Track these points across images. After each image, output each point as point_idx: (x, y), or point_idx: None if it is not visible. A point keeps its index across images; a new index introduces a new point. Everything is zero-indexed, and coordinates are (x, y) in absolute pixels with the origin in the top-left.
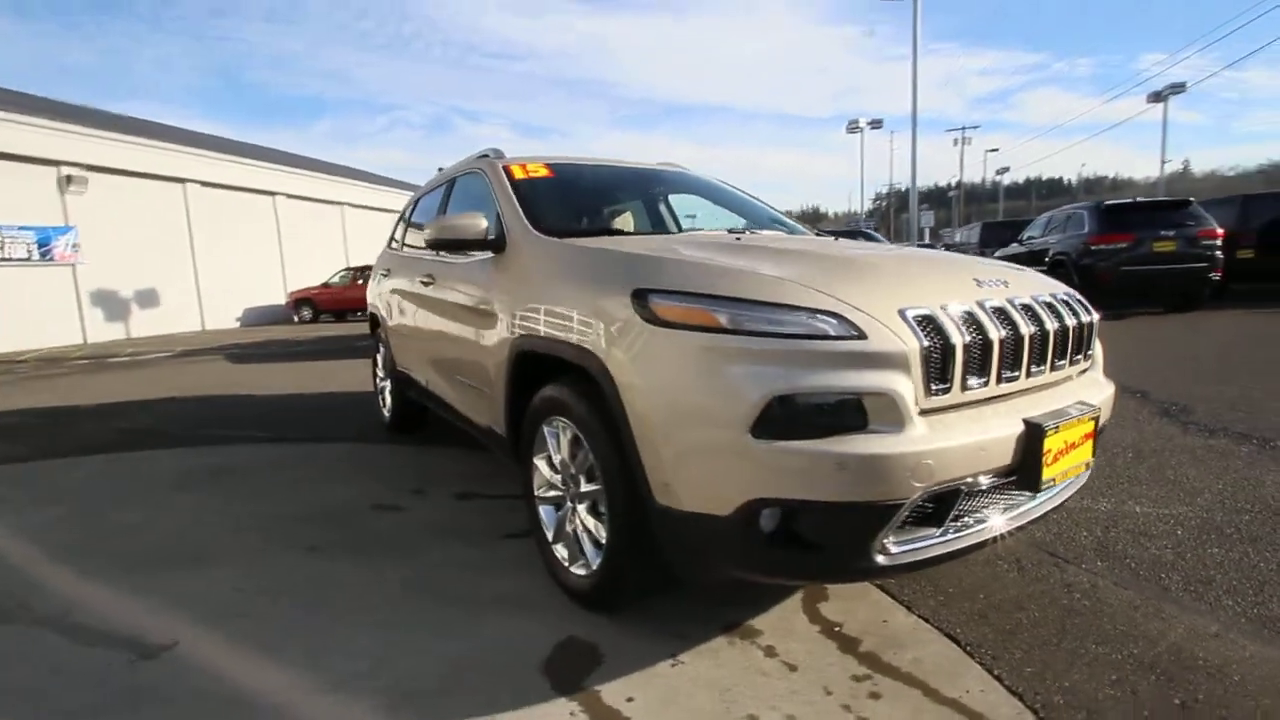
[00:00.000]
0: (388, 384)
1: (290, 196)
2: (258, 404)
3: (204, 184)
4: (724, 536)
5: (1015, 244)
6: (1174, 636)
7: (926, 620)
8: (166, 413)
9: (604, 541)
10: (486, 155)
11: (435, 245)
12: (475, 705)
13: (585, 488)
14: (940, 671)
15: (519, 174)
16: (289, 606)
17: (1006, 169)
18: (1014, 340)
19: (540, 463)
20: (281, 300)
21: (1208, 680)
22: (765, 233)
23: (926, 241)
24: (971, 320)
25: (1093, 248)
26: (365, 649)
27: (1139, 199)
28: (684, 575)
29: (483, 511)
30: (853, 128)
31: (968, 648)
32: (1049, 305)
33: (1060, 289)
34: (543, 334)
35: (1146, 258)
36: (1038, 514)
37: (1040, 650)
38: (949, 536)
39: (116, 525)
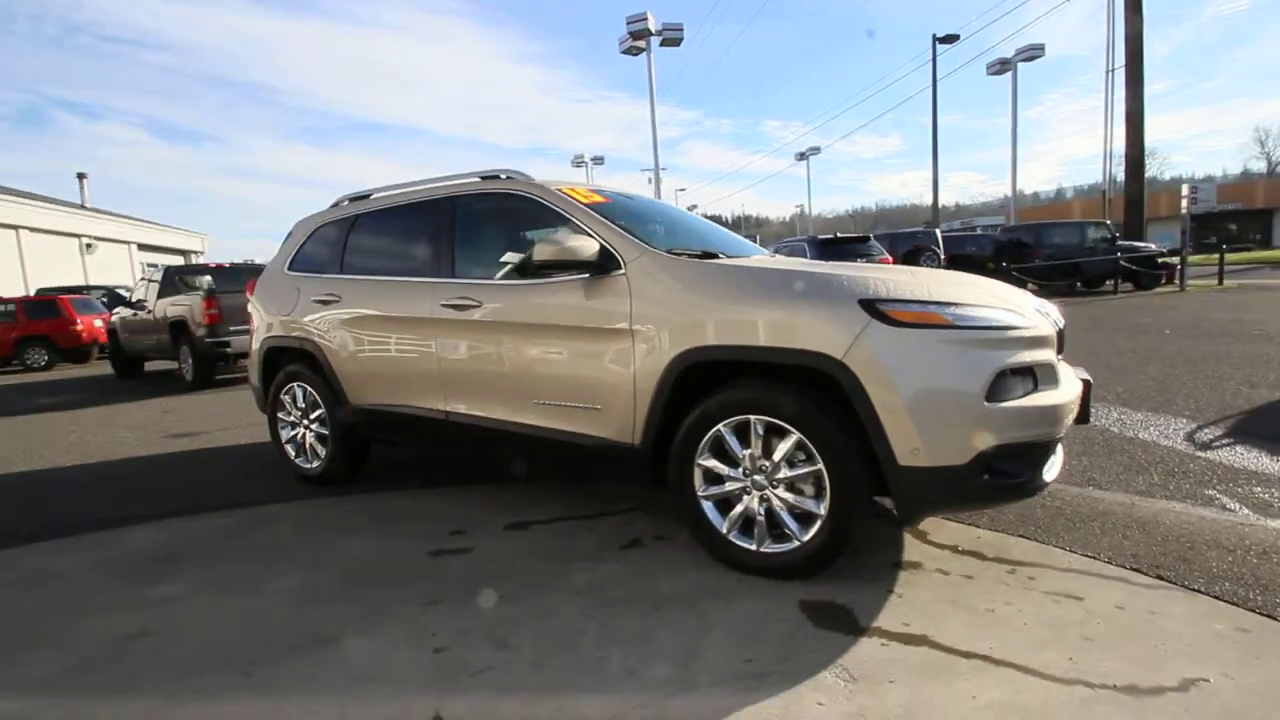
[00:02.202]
0: (316, 428)
1: None
2: (94, 475)
3: None
4: (959, 480)
5: None
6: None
7: (1004, 532)
8: None
9: (821, 512)
10: (513, 178)
11: (547, 267)
12: (811, 661)
13: (788, 473)
14: (1039, 554)
15: (587, 198)
16: (523, 646)
17: (695, 206)
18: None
19: (708, 462)
20: None
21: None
22: (780, 255)
23: None
24: (1044, 313)
25: None
26: (653, 658)
27: (839, 234)
28: (908, 519)
29: (561, 534)
30: (578, 163)
31: (1043, 540)
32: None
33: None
34: (723, 344)
35: None
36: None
37: (1079, 532)
38: (1058, 459)
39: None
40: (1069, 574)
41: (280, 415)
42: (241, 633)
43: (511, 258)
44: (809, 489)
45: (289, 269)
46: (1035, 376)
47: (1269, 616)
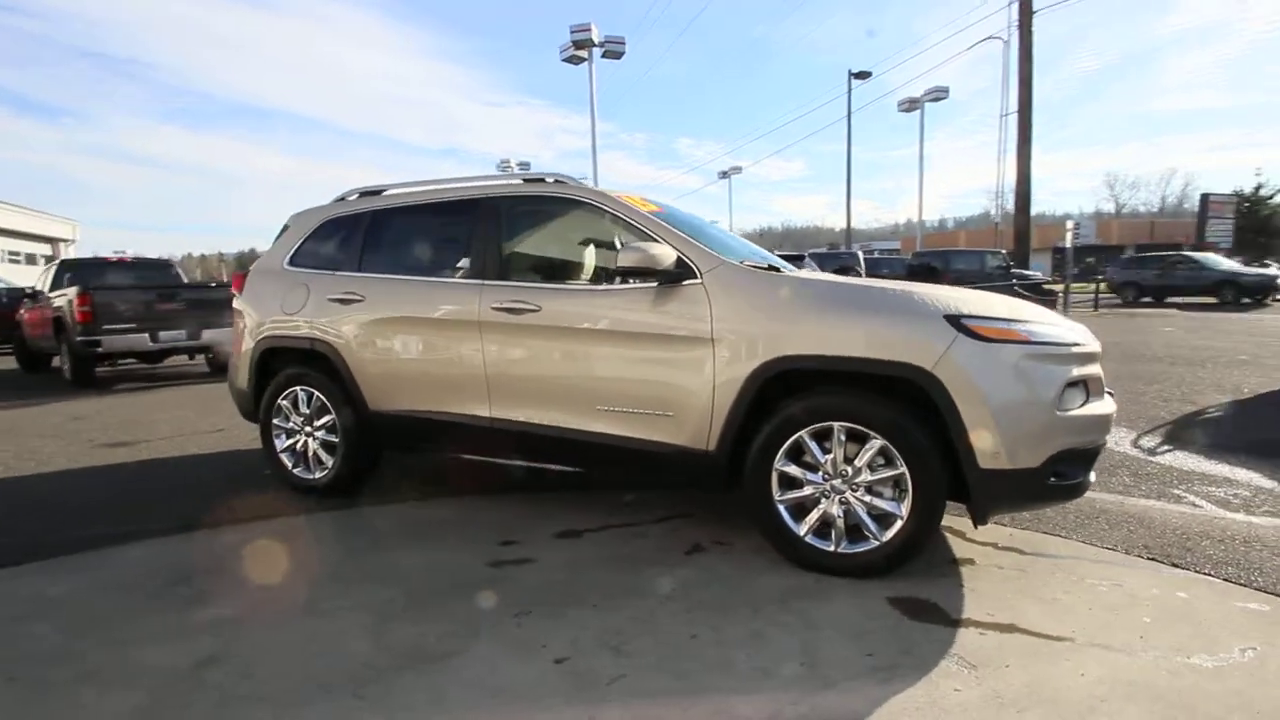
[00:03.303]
0: (323, 435)
1: None
2: (34, 490)
3: None
4: (1031, 481)
5: None
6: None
7: (1029, 530)
8: None
9: (902, 514)
10: (563, 181)
11: (630, 274)
12: (929, 652)
13: (869, 477)
14: (1068, 548)
15: (645, 206)
16: (644, 653)
17: None
18: None
19: (786, 467)
20: None
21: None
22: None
23: None
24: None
25: None
26: (778, 657)
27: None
28: (984, 517)
29: (616, 542)
30: (503, 167)
31: (1066, 536)
32: None
33: None
34: (814, 354)
35: None
36: None
37: (1084, 526)
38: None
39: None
40: (1101, 565)
41: (276, 422)
42: (327, 654)
43: (586, 261)
44: (888, 491)
45: (290, 265)
46: (1088, 389)
47: (1276, 595)
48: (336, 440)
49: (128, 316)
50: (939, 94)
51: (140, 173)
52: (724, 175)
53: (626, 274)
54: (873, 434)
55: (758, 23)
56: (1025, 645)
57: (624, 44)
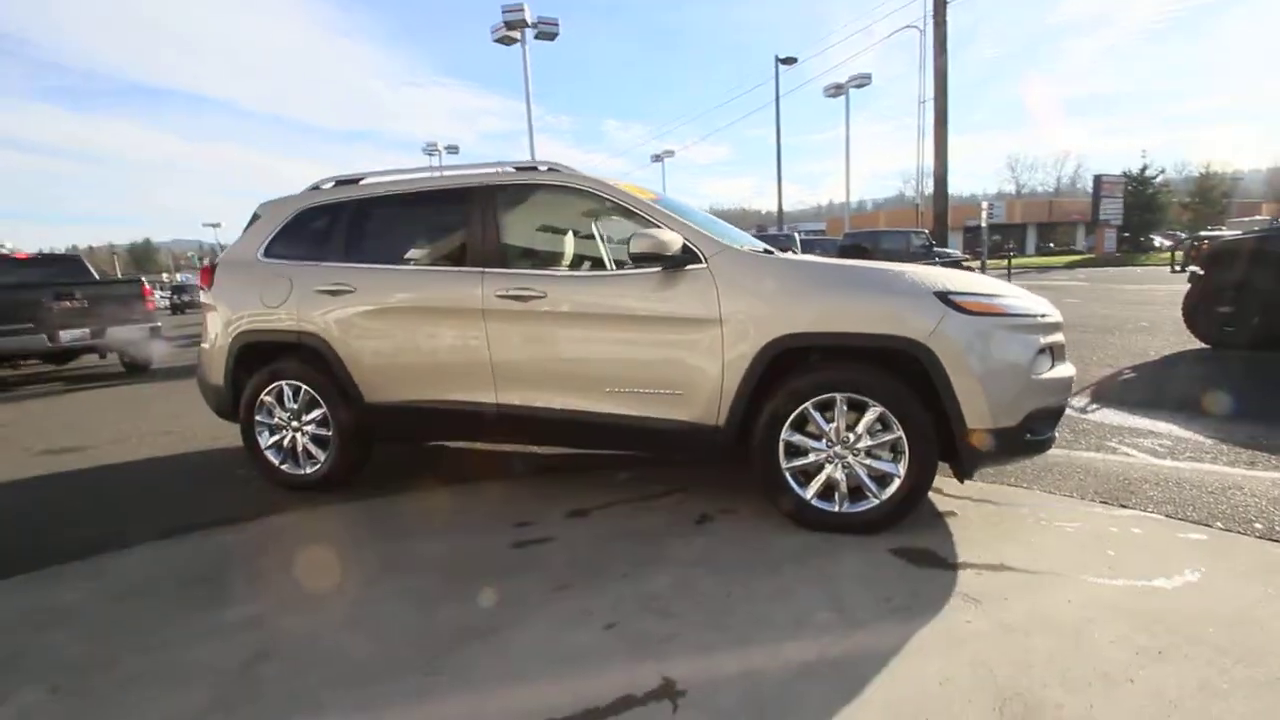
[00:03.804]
0: (313, 429)
1: None
2: (7, 500)
3: None
4: (1010, 438)
5: None
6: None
7: (996, 484)
8: None
9: (900, 473)
10: (556, 170)
11: (639, 260)
12: (937, 593)
13: (869, 442)
14: (1033, 498)
15: (646, 194)
16: (687, 613)
17: None
18: None
19: (792, 437)
20: None
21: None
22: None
23: None
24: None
25: None
26: (809, 607)
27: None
28: (969, 473)
29: (626, 517)
30: (431, 150)
31: (1028, 487)
32: None
33: None
34: (819, 330)
35: None
36: None
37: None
38: None
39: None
40: (1064, 509)
41: (259, 419)
42: (381, 639)
43: (586, 248)
44: (885, 454)
45: (265, 256)
46: (1054, 354)
47: (1207, 525)
48: (329, 434)
49: (21, 316)
50: (862, 80)
51: (11, 157)
52: (657, 159)
53: (638, 260)
54: (871, 402)
55: (679, 5)
56: (1016, 581)
57: (557, 25)
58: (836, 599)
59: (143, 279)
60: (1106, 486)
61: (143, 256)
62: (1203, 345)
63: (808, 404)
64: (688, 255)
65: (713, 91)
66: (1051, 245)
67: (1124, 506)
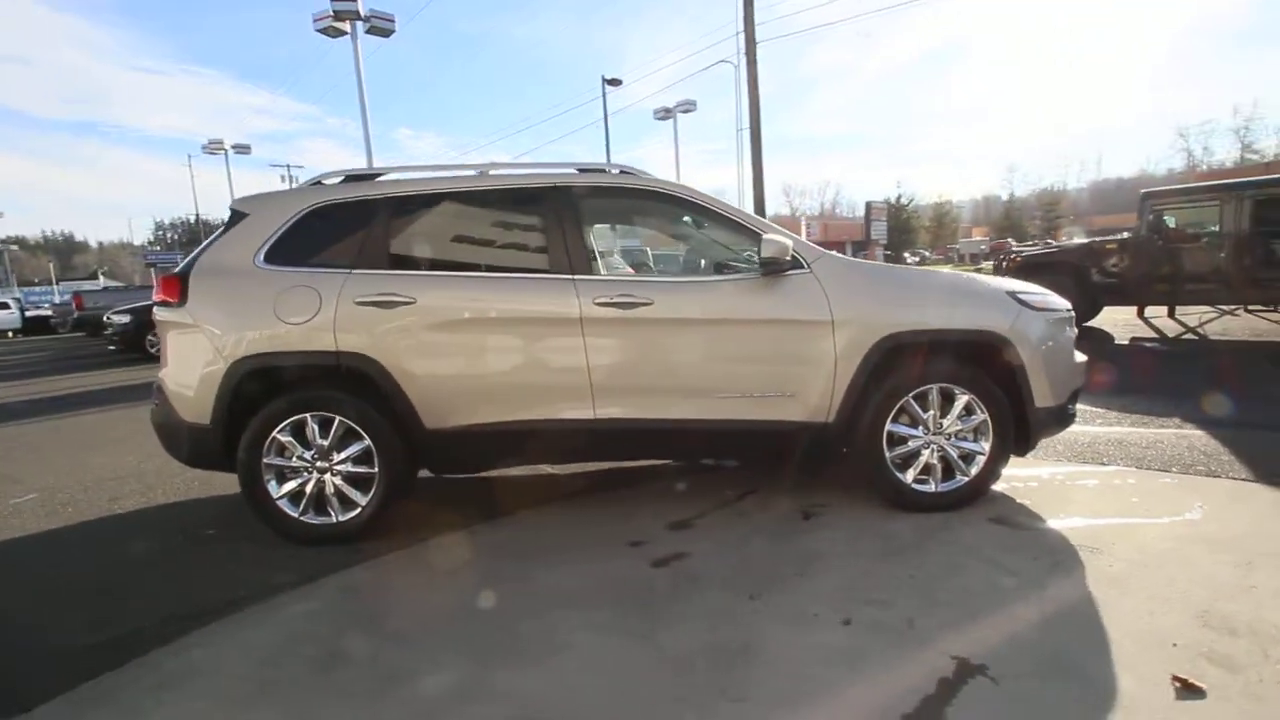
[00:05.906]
0: (347, 468)
1: None
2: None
3: None
4: (1060, 413)
5: None
6: None
7: None
8: None
9: (985, 451)
10: (628, 172)
11: (769, 265)
12: (1060, 548)
13: (959, 426)
14: (1045, 467)
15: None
16: (896, 602)
17: None
18: None
19: (895, 427)
20: None
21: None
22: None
23: None
24: None
25: None
26: (985, 579)
27: None
28: (1033, 445)
29: (731, 523)
30: (215, 149)
31: (1036, 459)
32: None
33: None
34: (922, 328)
35: None
36: None
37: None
38: None
39: None
40: (1071, 472)
41: (269, 461)
42: (633, 677)
43: (682, 252)
44: (971, 436)
45: (267, 263)
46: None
47: (1183, 474)
48: (374, 470)
49: None
50: (689, 106)
51: None
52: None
53: (767, 265)
54: (960, 390)
55: (480, 15)
56: (1100, 529)
57: (394, 22)
58: (999, 565)
59: None
60: (1090, 450)
61: None
62: None
63: (908, 396)
64: (793, 261)
65: (521, 109)
66: None
67: (1103, 464)
